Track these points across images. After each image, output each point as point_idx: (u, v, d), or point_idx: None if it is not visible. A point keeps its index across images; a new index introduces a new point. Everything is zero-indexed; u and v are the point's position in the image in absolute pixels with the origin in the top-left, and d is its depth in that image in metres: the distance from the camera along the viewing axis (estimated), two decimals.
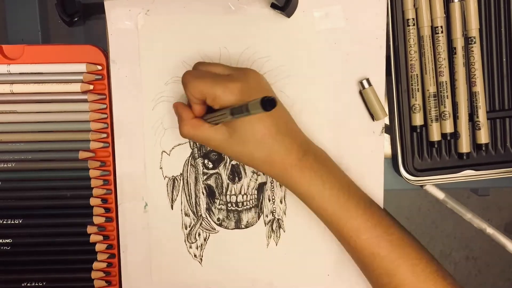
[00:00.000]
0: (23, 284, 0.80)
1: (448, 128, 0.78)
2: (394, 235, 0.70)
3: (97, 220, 0.79)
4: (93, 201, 0.79)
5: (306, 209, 0.77)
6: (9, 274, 0.80)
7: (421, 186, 0.81)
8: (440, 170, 0.80)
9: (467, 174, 0.81)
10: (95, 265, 0.80)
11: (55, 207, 0.80)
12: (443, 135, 0.79)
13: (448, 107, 0.78)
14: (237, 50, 0.78)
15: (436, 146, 0.79)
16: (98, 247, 0.80)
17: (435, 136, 0.79)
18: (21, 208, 0.80)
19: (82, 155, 0.79)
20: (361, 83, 0.78)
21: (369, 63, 0.78)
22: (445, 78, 0.78)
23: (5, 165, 0.79)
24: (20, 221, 0.79)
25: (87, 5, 0.83)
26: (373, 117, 0.78)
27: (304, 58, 0.78)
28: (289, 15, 0.76)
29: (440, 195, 0.81)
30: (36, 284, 0.80)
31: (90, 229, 0.79)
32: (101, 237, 0.80)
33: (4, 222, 0.79)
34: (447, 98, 0.78)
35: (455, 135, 0.79)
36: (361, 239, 0.70)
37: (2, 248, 0.80)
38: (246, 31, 0.77)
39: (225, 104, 0.66)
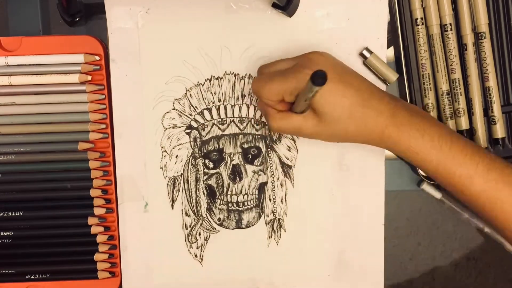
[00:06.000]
0: (27, 277, 0.81)
1: (464, 124, 0.78)
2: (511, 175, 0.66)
3: (97, 211, 0.79)
4: (93, 192, 0.79)
5: (307, 209, 0.78)
6: (12, 266, 0.81)
7: (417, 185, 0.81)
8: None
9: None
10: (97, 256, 0.80)
11: (55, 199, 0.80)
12: (459, 132, 0.78)
13: (462, 104, 0.77)
14: (238, 49, 0.77)
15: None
16: (99, 238, 0.80)
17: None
18: (21, 201, 0.80)
19: (81, 146, 0.78)
20: (361, 54, 0.77)
21: None
22: (457, 75, 0.77)
23: (5, 158, 0.79)
24: (21, 214, 0.79)
25: (88, 5, 0.81)
26: (385, 82, 0.77)
27: None
28: (290, 14, 0.76)
29: (437, 194, 0.81)
30: (40, 276, 0.81)
31: (91, 220, 0.80)
32: (102, 228, 0.80)
33: (5, 215, 0.79)
34: (461, 95, 0.77)
35: (471, 131, 0.79)
36: (476, 185, 0.66)
37: (3, 241, 0.80)
38: (248, 31, 0.76)
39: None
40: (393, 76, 0.77)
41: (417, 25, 0.76)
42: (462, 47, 0.78)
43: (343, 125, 0.67)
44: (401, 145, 0.67)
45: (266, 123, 0.72)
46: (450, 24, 0.76)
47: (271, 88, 0.66)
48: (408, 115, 0.68)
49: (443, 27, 0.77)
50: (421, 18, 0.76)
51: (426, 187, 0.81)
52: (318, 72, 0.53)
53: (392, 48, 0.80)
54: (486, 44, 0.77)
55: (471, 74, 0.77)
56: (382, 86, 0.78)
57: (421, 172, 0.79)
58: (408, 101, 0.78)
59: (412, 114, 0.68)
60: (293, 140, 0.79)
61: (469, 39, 0.77)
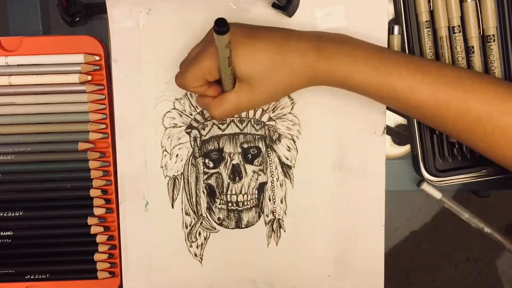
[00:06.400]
0: (26, 277, 0.81)
1: None
2: (449, 75, 0.66)
3: (97, 211, 0.79)
4: (93, 192, 0.79)
5: (306, 209, 0.78)
6: (12, 266, 0.81)
7: (417, 185, 0.81)
8: (462, 170, 0.80)
9: (490, 172, 0.80)
10: (96, 256, 0.80)
11: (55, 199, 0.80)
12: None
13: None
14: None
15: (456, 146, 0.79)
16: (99, 238, 0.80)
17: None
18: (21, 200, 0.80)
19: (81, 146, 0.78)
20: (391, 27, 0.78)
21: None
22: None
23: (5, 158, 0.79)
24: (21, 214, 0.79)
25: (88, 5, 0.81)
26: None
27: None
28: (290, 14, 0.76)
29: (437, 195, 0.81)
30: (40, 276, 0.81)
31: (90, 220, 0.80)
32: (101, 229, 0.80)
33: (5, 215, 0.79)
34: None
35: None
36: (418, 94, 0.66)
37: (3, 240, 0.80)
38: None
39: (218, 64, 0.64)
40: None
41: (425, 28, 0.77)
42: (468, 50, 0.78)
43: (273, 80, 0.67)
44: (337, 76, 0.67)
45: (209, 114, 0.72)
46: (459, 26, 0.77)
47: (190, 76, 0.67)
48: (334, 45, 0.67)
49: (451, 29, 0.77)
50: (427, 21, 0.76)
51: (426, 187, 0.81)
52: (218, 20, 0.53)
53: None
54: (494, 47, 0.77)
55: None
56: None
57: (424, 172, 0.79)
58: None
59: (338, 43, 0.68)
60: (293, 140, 0.79)
61: (475, 41, 0.77)
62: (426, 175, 0.79)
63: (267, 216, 0.79)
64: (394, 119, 0.82)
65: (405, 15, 0.77)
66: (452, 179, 0.80)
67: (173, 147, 0.78)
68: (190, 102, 0.78)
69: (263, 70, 0.65)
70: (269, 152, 0.78)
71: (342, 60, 0.66)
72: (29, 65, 0.78)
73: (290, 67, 0.66)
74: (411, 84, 0.65)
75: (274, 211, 0.79)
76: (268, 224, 0.79)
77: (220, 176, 0.79)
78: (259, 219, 0.79)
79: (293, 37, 0.68)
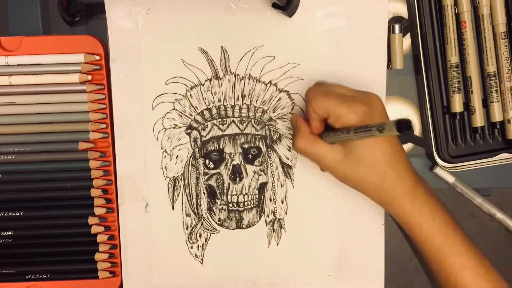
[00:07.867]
0: (27, 276, 0.80)
1: (497, 116, 0.79)
2: (494, 276, 0.69)
3: (98, 211, 0.79)
4: (93, 192, 0.79)
5: (307, 209, 0.78)
6: (12, 266, 0.81)
7: (430, 169, 0.81)
8: (476, 155, 0.81)
9: (503, 158, 0.81)
10: (97, 256, 0.80)
11: (55, 198, 0.80)
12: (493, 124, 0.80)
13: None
14: (238, 49, 0.77)
15: (479, 131, 0.79)
16: (100, 238, 0.80)
17: (478, 122, 0.79)
18: (22, 200, 0.80)
19: (81, 146, 0.78)
20: (392, 26, 0.79)
21: (370, 63, 0.77)
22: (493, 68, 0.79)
23: (5, 158, 0.78)
24: (21, 213, 0.79)
25: (88, 4, 0.81)
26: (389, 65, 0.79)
27: (305, 58, 0.76)
28: (290, 14, 0.76)
29: (450, 178, 0.82)
30: (41, 276, 0.80)
31: (91, 220, 0.80)
32: (102, 228, 0.80)
33: (5, 215, 0.79)
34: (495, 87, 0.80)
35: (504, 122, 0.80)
36: (464, 277, 0.68)
37: (3, 240, 0.80)
38: (248, 31, 0.76)
39: (348, 124, 0.65)
40: (399, 65, 0.79)
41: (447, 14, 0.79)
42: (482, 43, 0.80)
43: (363, 172, 0.67)
44: (410, 217, 0.69)
45: (292, 139, 0.72)
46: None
47: (323, 103, 0.67)
48: (426, 193, 0.69)
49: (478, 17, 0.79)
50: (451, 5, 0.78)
51: (439, 171, 0.82)
52: (407, 122, 0.53)
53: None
54: None
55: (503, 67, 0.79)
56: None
57: (437, 158, 0.80)
58: (426, 87, 0.80)
59: (429, 194, 0.70)
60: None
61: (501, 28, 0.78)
62: (439, 161, 0.80)
63: (268, 216, 0.79)
64: (395, 117, 0.82)
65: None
66: (465, 165, 0.80)
67: (173, 148, 0.78)
68: (190, 103, 0.78)
69: (366, 160, 0.67)
70: (269, 152, 0.78)
71: (423, 210, 0.68)
72: (29, 65, 0.77)
73: (383, 180, 0.67)
74: (463, 265, 0.68)
75: (275, 211, 0.79)
76: (269, 224, 0.79)
77: (221, 177, 0.79)
78: (259, 219, 0.79)
79: (404, 162, 0.69)
